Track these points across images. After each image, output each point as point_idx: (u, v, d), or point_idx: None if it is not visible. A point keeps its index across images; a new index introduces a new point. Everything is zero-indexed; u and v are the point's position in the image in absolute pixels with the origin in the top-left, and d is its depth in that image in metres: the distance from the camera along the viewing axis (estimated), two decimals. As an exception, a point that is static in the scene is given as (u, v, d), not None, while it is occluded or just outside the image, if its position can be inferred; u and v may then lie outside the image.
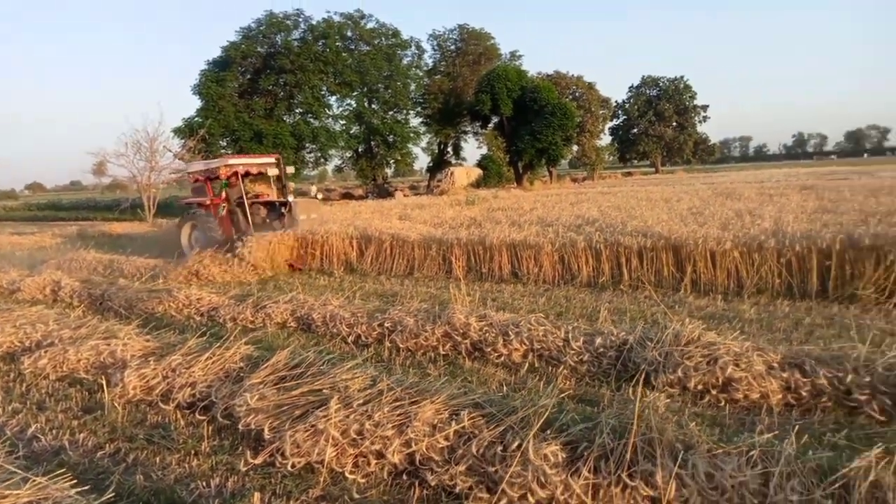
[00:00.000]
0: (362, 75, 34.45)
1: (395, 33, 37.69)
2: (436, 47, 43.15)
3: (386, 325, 5.78)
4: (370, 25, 36.84)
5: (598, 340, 4.81)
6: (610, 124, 66.08)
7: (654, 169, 70.50)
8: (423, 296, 8.07)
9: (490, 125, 41.24)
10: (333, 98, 36.33)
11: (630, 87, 68.30)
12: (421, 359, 5.32)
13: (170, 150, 24.81)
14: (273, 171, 13.23)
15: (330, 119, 35.86)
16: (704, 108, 68.64)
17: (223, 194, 12.71)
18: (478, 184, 35.33)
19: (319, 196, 16.07)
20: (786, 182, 22.46)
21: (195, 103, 35.36)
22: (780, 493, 2.52)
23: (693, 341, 4.53)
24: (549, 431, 3.14)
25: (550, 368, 4.85)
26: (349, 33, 36.04)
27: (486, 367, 5.00)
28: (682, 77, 66.72)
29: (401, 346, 5.53)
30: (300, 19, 34.68)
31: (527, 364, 4.94)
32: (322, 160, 37.19)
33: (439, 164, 43.27)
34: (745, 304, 6.75)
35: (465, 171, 37.93)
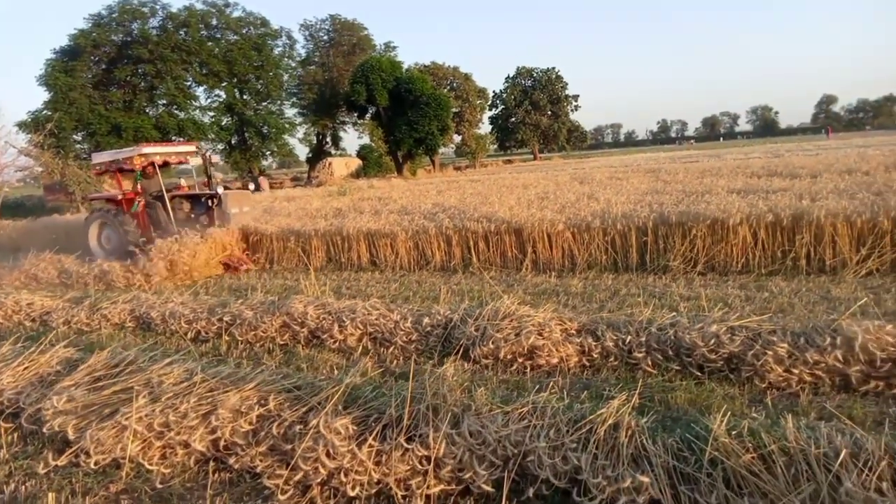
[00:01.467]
0: (230, 65, 33.15)
1: (264, 22, 36.61)
2: (308, 38, 42.40)
3: (225, 319, 5.77)
4: (236, 14, 35.46)
5: (426, 320, 5.11)
6: (489, 114, 68.17)
7: (533, 156, 73.43)
8: (277, 288, 8.07)
9: (367, 116, 41.15)
10: (201, 89, 34.71)
11: (506, 78, 70.62)
12: (259, 350, 5.38)
13: (13, 147, 22.65)
14: (196, 161, 11.99)
15: (197, 111, 34.16)
16: (576, 97, 72.43)
17: (138, 187, 11.22)
18: (357, 174, 35.24)
19: (252, 187, 14.67)
20: (637, 165, 24.24)
21: (42, 95, 32.41)
22: (535, 441, 2.88)
23: (509, 315, 4.93)
24: (351, 408, 3.35)
25: (382, 349, 5.09)
26: (214, 22, 34.42)
27: (322, 353, 5.15)
28: (553, 68, 69.91)
29: (239, 338, 5.56)
30: (157, 6, 32.68)
31: (360, 347, 5.15)
32: (191, 155, 35.32)
33: (318, 155, 42.63)
34: (576, 280, 7.37)
35: (344, 162, 37.70)
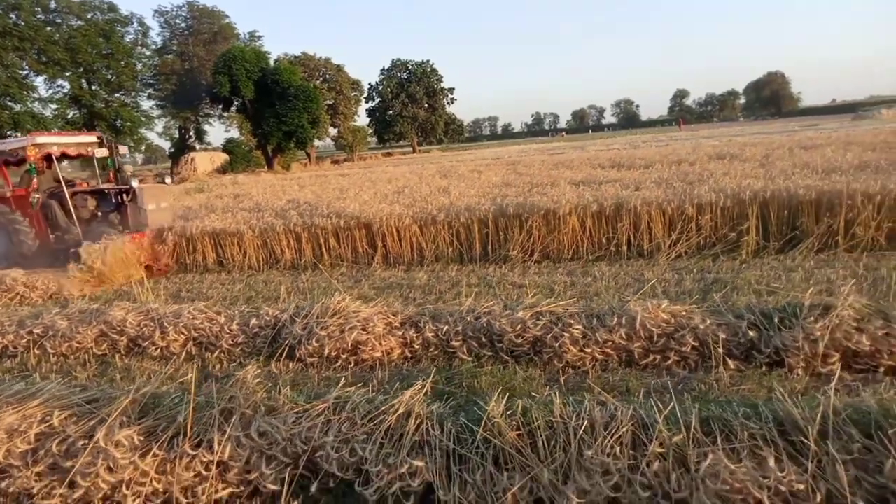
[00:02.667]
0: (74, 53, 30.29)
1: (112, 7, 33.81)
2: (164, 24, 39.71)
3: (36, 331, 5.33)
4: (79, -2, 32.46)
5: (254, 321, 5.02)
6: (366, 106, 67.71)
7: (412, 149, 73.95)
8: (109, 295, 7.56)
9: (232, 108, 39.41)
10: (40, 79, 31.45)
11: (382, 70, 70.47)
12: (73, 363, 5.03)
13: None
14: (101, 152, 10.39)
15: (37, 102, 30.99)
16: (451, 90, 73.76)
17: (33, 183, 9.68)
18: (223, 169, 33.65)
19: (168, 181, 12.58)
20: (505, 158, 25.15)
21: None
22: (328, 434, 2.94)
23: (339, 312, 4.96)
24: (146, 418, 3.24)
25: (207, 354, 4.94)
26: (53, 5, 31.29)
27: (142, 361, 4.92)
28: (428, 61, 70.81)
29: (52, 352, 5.16)
30: (-16, -14, 29.16)
31: (184, 353, 4.97)
32: (31, 149, 31.95)
33: (182, 149, 40.19)
34: (422, 272, 7.55)
35: (209, 157, 35.77)
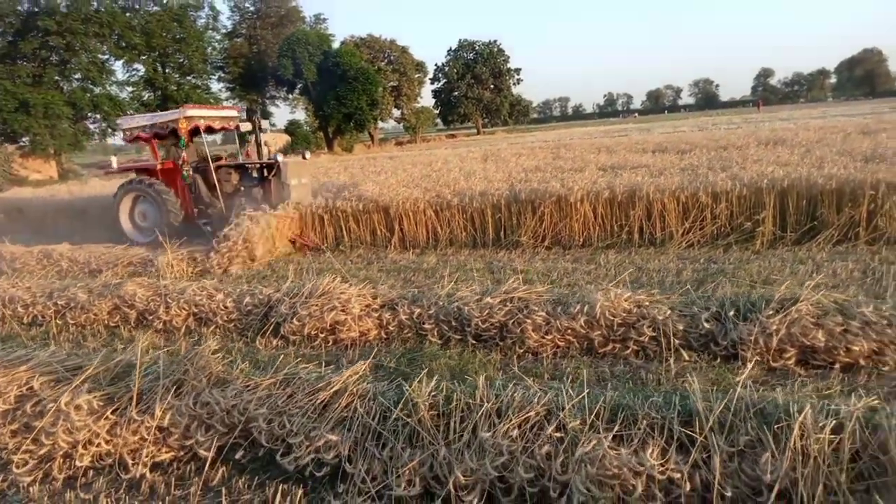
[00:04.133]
0: (149, 38, 31.95)
1: (185, -8, 35.38)
2: (233, 9, 41.22)
3: (60, 302, 5.87)
4: (155, -15, 34.11)
5: (247, 299, 5.35)
6: (432, 87, 67.93)
7: (476, 130, 73.63)
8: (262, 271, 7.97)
9: (296, 90, 40.53)
10: (119, 63, 33.41)
11: (448, 51, 70.27)
12: (87, 332, 5.52)
13: None
14: (245, 126, 10.46)
15: (114, 86, 32.98)
16: (518, 70, 72.67)
17: (183, 156, 9.87)
18: (285, 151, 34.67)
19: (308, 156, 13.02)
20: (557, 140, 24.77)
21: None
22: (263, 407, 3.18)
23: (327, 293, 5.21)
24: (118, 384, 3.58)
25: (204, 328, 5.31)
26: (130, -8, 33.16)
27: (146, 333, 5.34)
28: (495, 41, 69.84)
29: (71, 322, 5.68)
30: (66, -26, 31.07)
31: (184, 327, 5.36)
32: (110, 131, 34.14)
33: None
34: (433, 256, 7.72)
35: (272, 138, 36.94)
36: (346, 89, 35.42)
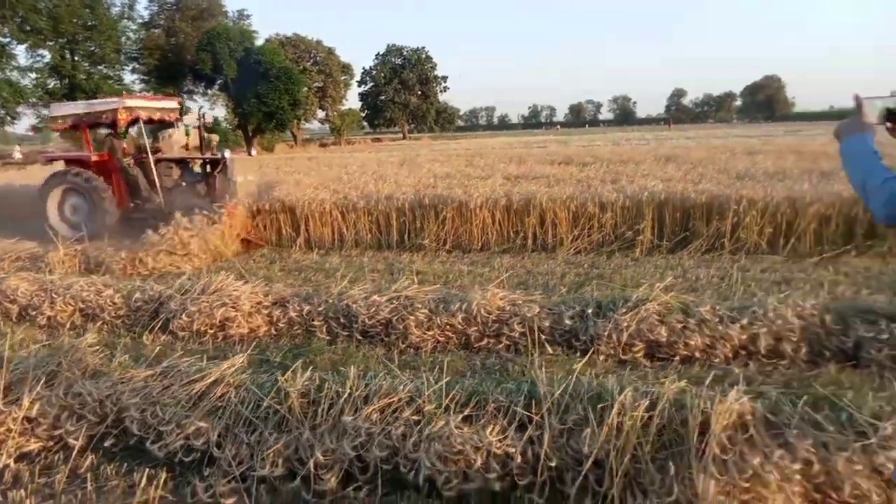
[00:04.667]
0: (56, 23, 30.14)
1: (98, -22, 33.63)
2: (151, -1, 39.59)
3: (-67, 298, 5.61)
4: (63, -33, 32.25)
5: (137, 295, 5.32)
6: (359, 90, 67.66)
7: (402, 136, 73.87)
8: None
9: (215, 86, 39.43)
10: (22, 47, 31.33)
11: (376, 55, 70.26)
12: (-35, 328, 5.31)
13: None
14: (191, 119, 10.14)
15: (15, 71, 30.89)
16: (444, 78, 73.60)
17: (124, 148, 9.37)
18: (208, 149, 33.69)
19: (255, 153, 11.79)
20: (472, 150, 25.34)
21: None
22: (136, 397, 3.25)
23: (220, 290, 5.26)
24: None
25: (91, 324, 5.24)
26: (37, -27, 31.18)
27: (28, 329, 5.20)
28: (423, 48, 70.48)
29: (-54, 318, 5.45)
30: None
31: (69, 323, 5.27)
32: (9, 119, 31.92)
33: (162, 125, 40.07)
34: (337, 257, 7.87)
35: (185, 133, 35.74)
36: (268, 88, 34.78)
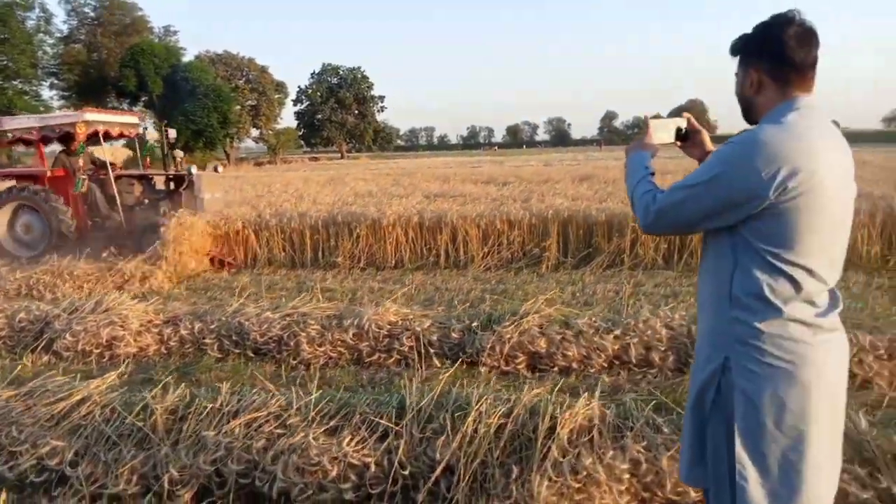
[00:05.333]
0: (-35, 37, 28.67)
1: (11, -10, 32.18)
2: (70, 13, 38.12)
3: None
4: (-28, -21, 30.72)
5: (21, 315, 5.11)
6: (294, 109, 67.09)
7: (340, 155, 73.53)
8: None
9: (139, 104, 38.28)
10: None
11: (312, 74, 69.94)
12: None
13: None
14: (152, 134, 9.63)
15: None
16: (381, 98, 73.98)
17: (80, 164, 8.80)
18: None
19: (220, 170, 10.99)
20: (404, 170, 25.56)
21: None
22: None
23: (110, 309, 5.12)
24: None
25: (-34, 346, 4.99)
26: (-56, -15, 29.63)
27: None
28: (359, 67, 70.70)
29: None
30: None
31: (-57, 345, 5.00)
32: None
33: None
34: (247, 276, 7.77)
35: (111, 152, 34.49)
36: (196, 105, 33.98)
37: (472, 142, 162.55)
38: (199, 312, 5.08)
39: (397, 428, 2.89)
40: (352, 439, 2.81)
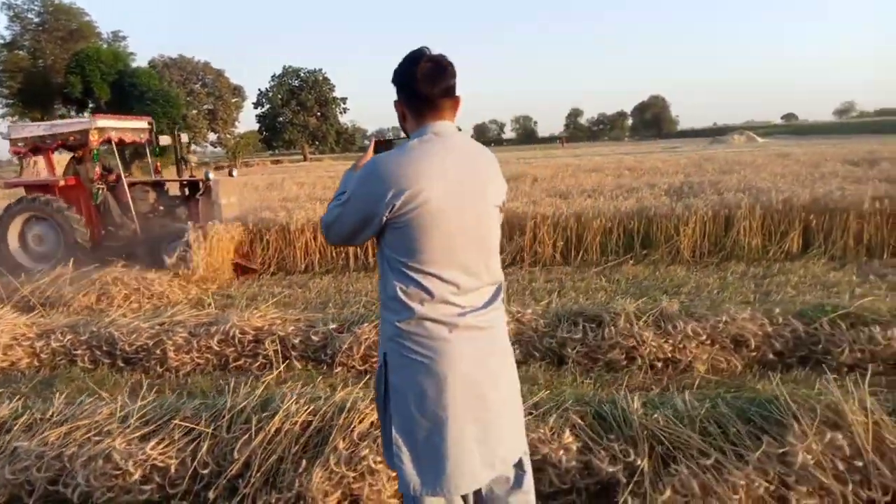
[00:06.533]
0: None
1: (-52, -4, 31.36)
2: (13, 18, 37.15)
3: None
4: None
5: None
6: (255, 112, 66.47)
7: (303, 157, 72.96)
8: None
9: (87, 110, 37.53)
10: None
11: (272, 77, 69.29)
12: None
13: None
14: (165, 140, 9.33)
15: None
16: (343, 100, 73.57)
17: (96, 172, 8.47)
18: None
19: (235, 173, 10.56)
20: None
21: None
22: None
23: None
24: None
25: None
26: None
27: None
28: (320, 69, 70.19)
29: None
30: None
31: None
32: None
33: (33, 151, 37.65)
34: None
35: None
36: (144, 111, 33.43)
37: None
38: (72, 324, 5.13)
39: (207, 430, 3.01)
40: (159, 443, 2.93)
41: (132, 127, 9.33)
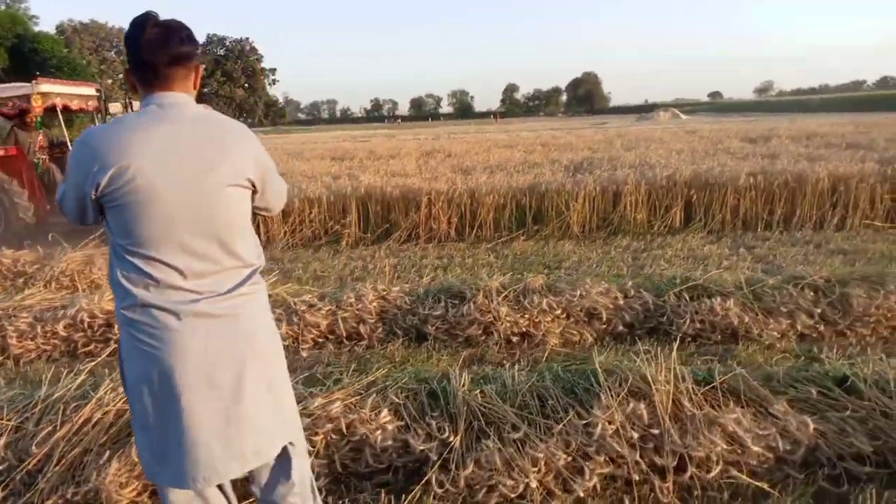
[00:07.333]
0: None
1: None
2: None
3: None
4: None
5: None
6: (176, 82, 63.25)
7: (230, 130, 70.14)
8: None
9: (-19, 77, 34.83)
10: None
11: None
12: None
13: None
14: (116, 107, 8.57)
15: None
16: (273, 71, 71.43)
17: (39, 141, 7.63)
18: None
19: None
20: (287, 147, 24.85)
21: None
22: None
23: None
24: None
25: None
26: None
27: None
28: (247, 38, 67.71)
29: None
30: None
31: None
32: None
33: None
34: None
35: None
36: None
37: (376, 115, 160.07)
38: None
39: (9, 423, 2.83)
40: None
41: (78, 93, 8.63)
